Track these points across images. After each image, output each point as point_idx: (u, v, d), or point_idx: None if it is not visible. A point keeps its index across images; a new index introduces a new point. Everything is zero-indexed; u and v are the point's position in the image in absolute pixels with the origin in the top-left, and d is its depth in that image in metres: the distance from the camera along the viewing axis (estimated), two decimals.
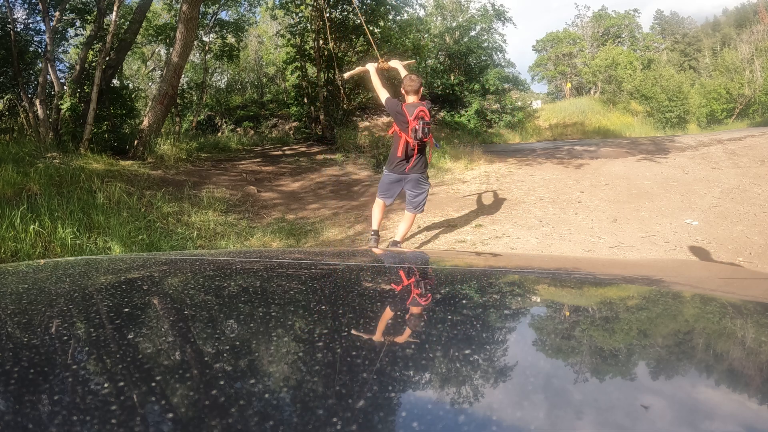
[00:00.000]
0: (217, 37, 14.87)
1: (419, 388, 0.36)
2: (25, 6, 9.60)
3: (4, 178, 5.08)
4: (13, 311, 0.55)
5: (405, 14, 13.24)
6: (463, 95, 15.78)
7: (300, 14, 12.42)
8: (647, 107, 20.76)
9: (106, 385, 0.36)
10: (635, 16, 32.58)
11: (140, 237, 4.42)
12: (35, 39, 9.81)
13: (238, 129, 16.16)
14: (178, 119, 13.67)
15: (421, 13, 16.52)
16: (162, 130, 9.09)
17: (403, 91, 3.51)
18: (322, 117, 12.55)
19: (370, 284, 0.74)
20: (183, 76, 11.77)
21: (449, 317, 0.52)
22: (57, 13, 8.71)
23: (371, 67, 3.73)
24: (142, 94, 14.98)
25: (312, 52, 12.43)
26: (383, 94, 3.56)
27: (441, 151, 9.23)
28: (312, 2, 11.82)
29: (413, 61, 3.85)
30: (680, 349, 0.45)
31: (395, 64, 3.80)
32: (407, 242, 4.43)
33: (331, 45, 11.03)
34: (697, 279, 0.88)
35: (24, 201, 4.51)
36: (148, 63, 17.82)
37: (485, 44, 17.31)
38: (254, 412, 0.31)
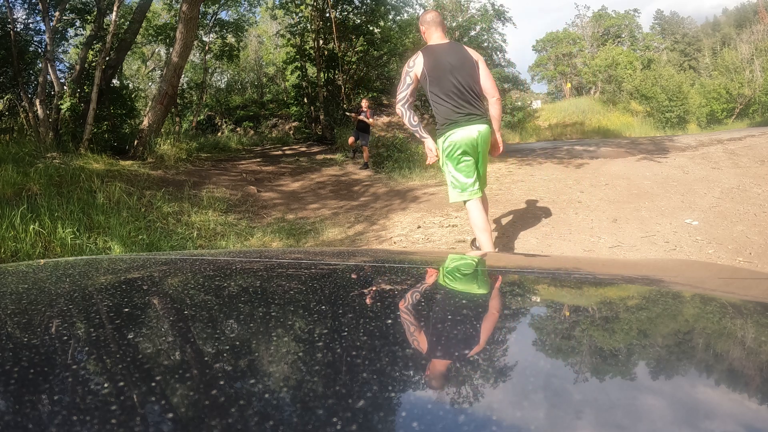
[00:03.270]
0: (217, 37, 14.88)
1: (419, 388, 0.36)
2: (25, 6, 9.62)
3: (4, 178, 5.08)
4: (13, 311, 0.55)
5: (405, 14, 13.24)
6: None
7: (300, 14, 12.42)
8: (647, 107, 20.78)
9: (106, 385, 0.36)
10: (635, 16, 32.63)
11: (140, 237, 4.42)
12: (35, 39, 9.83)
13: (238, 129, 16.18)
14: (178, 119, 13.68)
15: (421, 13, 16.51)
16: (162, 130, 9.09)
17: None
18: (322, 117, 12.55)
19: (370, 284, 0.74)
20: (183, 76, 11.77)
21: (449, 317, 0.52)
22: (57, 13, 8.72)
23: None
24: (142, 94, 15.00)
25: (312, 52, 12.43)
26: None
27: None
28: (312, 2, 11.82)
29: None
30: (680, 349, 0.45)
31: None
32: (408, 243, 4.44)
33: (335, 45, 11.04)
34: (697, 279, 0.88)
35: (24, 201, 4.51)
36: (148, 63, 17.83)
37: (485, 44, 17.31)
38: (254, 412, 0.31)
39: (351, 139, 9.54)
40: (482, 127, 2.77)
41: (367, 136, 9.11)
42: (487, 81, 2.80)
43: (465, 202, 2.87)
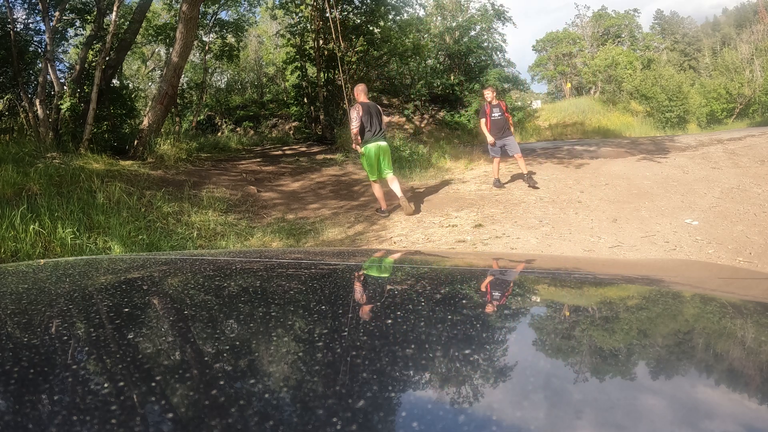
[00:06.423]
0: (217, 37, 14.87)
1: (419, 388, 0.36)
2: (25, 6, 9.60)
3: (4, 178, 5.08)
4: (13, 311, 0.55)
5: (405, 14, 13.24)
6: (463, 95, 15.78)
7: (300, 14, 12.42)
8: (647, 107, 20.77)
9: (106, 385, 0.36)
10: (635, 16, 32.60)
11: (140, 237, 4.42)
12: (35, 39, 9.82)
13: (238, 129, 16.18)
14: (178, 119, 13.68)
15: (421, 13, 16.51)
16: (162, 130, 9.09)
17: None
18: (322, 117, 12.55)
19: (370, 284, 0.74)
20: (183, 76, 11.77)
21: (449, 317, 0.52)
22: (57, 13, 8.71)
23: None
24: (142, 94, 14.99)
25: (312, 52, 12.43)
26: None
27: (441, 151, 9.23)
28: (312, 2, 11.82)
29: None
30: (680, 349, 0.45)
31: None
32: (408, 243, 4.44)
33: (337, 44, 10.99)
34: (697, 279, 0.88)
35: (24, 201, 4.51)
36: (148, 63, 17.83)
37: (485, 44, 17.31)
38: (254, 412, 0.31)
39: (497, 162, 6.35)
40: (381, 143, 5.29)
41: (512, 139, 6.21)
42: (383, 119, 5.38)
43: (372, 179, 5.46)
